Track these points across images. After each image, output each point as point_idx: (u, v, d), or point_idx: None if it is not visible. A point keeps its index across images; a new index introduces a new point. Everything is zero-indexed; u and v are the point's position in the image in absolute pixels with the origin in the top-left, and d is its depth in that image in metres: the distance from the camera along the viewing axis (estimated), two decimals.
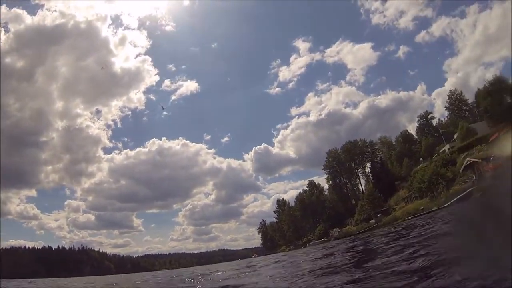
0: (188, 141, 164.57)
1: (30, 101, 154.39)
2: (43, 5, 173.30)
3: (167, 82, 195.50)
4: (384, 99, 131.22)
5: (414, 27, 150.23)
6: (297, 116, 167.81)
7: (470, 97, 61.34)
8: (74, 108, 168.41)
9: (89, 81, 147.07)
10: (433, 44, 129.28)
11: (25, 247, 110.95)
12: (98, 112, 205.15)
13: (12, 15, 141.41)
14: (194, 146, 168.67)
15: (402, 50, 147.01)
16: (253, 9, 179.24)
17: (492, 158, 34.68)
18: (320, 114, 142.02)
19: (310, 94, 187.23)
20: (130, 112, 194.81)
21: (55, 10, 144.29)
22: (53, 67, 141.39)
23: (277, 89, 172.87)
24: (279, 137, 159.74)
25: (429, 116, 71.10)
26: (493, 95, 47.75)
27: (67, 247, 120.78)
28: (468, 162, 40.20)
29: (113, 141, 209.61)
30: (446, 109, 67.94)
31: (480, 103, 50.20)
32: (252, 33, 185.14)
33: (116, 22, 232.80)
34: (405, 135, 73.11)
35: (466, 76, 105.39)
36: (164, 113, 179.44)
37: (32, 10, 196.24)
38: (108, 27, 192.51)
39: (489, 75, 58.45)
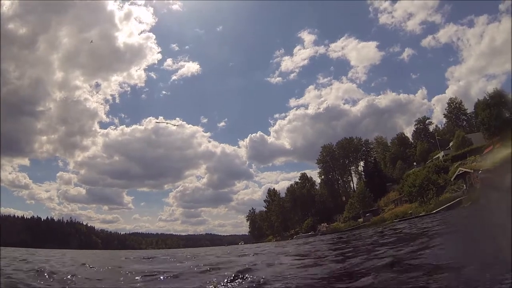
0: (184, 122, 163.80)
1: (29, 69, 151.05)
2: None
3: (169, 61, 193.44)
4: (383, 99, 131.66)
5: (421, 30, 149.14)
6: (295, 108, 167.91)
7: (469, 107, 61.92)
8: (74, 79, 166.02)
9: (90, 54, 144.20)
10: (438, 50, 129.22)
11: (14, 215, 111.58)
12: (97, 85, 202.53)
13: None
14: (190, 128, 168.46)
15: (407, 53, 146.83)
16: None
17: (480, 171, 35.29)
18: (318, 108, 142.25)
19: (311, 87, 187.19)
20: (129, 89, 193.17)
21: None
22: (55, 37, 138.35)
23: (278, 78, 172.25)
24: (276, 126, 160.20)
25: (427, 122, 71.81)
26: (492, 108, 48.06)
27: (56, 219, 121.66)
28: (460, 172, 40.76)
29: (110, 116, 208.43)
30: (444, 116, 68.46)
31: (479, 115, 50.61)
32: (258, 21, 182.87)
33: None
34: (401, 138, 73.64)
35: (468, 86, 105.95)
36: (163, 92, 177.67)
37: None
38: (114, 1, 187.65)
39: (491, 87, 59.06)
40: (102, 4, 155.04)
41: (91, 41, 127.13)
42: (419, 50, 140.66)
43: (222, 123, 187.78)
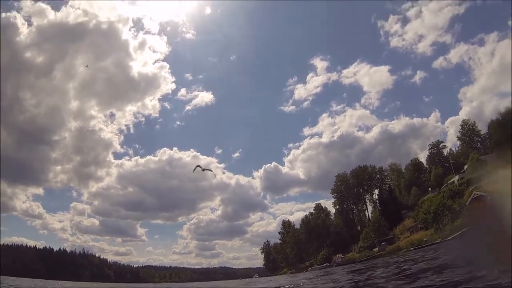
0: (199, 154, 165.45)
1: (46, 97, 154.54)
2: (67, 2, 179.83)
3: (183, 91, 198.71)
4: (397, 124, 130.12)
5: (432, 52, 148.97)
6: (309, 137, 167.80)
7: (483, 128, 60.36)
8: (89, 109, 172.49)
9: (105, 83, 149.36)
10: (450, 71, 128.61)
11: (26, 245, 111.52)
12: (112, 115, 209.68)
13: (36, 9, 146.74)
14: (204, 159, 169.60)
15: (419, 75, 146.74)
16: (274, 24, 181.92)
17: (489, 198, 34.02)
18: (332, 136, 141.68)
19: (324, 115, 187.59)
20: (143, 119, 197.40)
21: (79, 8, 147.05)
22: (71, 65, 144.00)
23: (292, 107, 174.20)
24: (290, 156, 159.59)
25: (441, 145, 70.28)
26: (505, 128, 46.68)
27: (68, 250, 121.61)
28: (476, 195, 39.09)
29: (125, 146, 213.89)
30: (458, 139, 66.88)
31: (492, 135, 49.16)
32: (271, 48, 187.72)
33: (138, 25, 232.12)
34: (415, 163, 71.90)
35: (481, 106, 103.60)
36: (178, 122, 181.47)
37: (56, 6, 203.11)
38: (129, 30, 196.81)
39: (504, 105, 57.36)
40: (117, 32, 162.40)
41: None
42: (431, 72, 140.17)
43: (237, 154, 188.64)
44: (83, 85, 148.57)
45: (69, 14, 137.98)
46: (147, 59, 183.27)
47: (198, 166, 20.62)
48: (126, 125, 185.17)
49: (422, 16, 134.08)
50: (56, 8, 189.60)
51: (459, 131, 66.12)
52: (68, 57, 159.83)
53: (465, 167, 51.74)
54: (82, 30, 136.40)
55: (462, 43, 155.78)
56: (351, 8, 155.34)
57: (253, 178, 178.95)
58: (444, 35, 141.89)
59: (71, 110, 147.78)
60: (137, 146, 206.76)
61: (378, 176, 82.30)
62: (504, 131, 46.73)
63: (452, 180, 52.84)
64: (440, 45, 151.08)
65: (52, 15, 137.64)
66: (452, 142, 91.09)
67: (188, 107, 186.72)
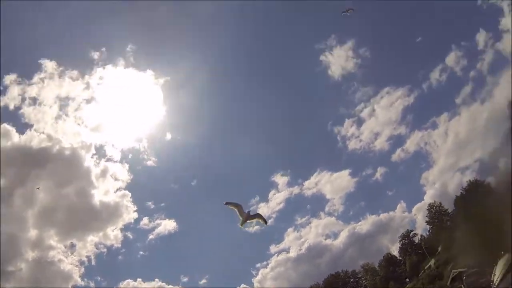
0: (164, 283, 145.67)
1: (3, 225, 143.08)
2: (32, 125, 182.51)
3: (145, 220, 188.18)
4: (364, 225, 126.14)
5: (389, 146, 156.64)
6: (276, 254, 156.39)
7: (450, 205, 59.61)
8: (48, 238, 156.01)
9: (66, 211, 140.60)
10: (408, 160, 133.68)
11: None
12: (72, 246, 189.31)
13: (2, 130, 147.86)
14: None
15: (379, 172, 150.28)
16: (232, 149, 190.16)
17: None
18: (300, 249, 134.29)
19: (290, 230, 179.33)
20: (105, 250, 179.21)
21: (43, 132, 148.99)
22: (32, 191, 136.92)
23: (256, 227, 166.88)
24: (259, 276, 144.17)
25: (411, 234, 68.94)
26: (470, 201, 44.85)
27: None
28: (454, 274, 34.26)
29: (85, 279, 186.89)
30: (427, 223, 65.77)
31: (459, 210, 46.55)
32: (231, 170, 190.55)
33: (100, 152, 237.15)
34: (388, 258, 69.26)
35: (444, 185, 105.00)
36: (141, 252, 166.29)
37: (21, 129, 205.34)
38: (91, 157, 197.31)
39: (466, 178, 58.73)
40: (79, 159, 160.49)
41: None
42: (391, 166, 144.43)
43: (204, 280, 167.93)
44: (43, 213, 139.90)
45: (33, 138, 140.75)
46: (109, 187, 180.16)
47: None
48: (87, 256, 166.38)
49: (376, 114, 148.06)
50: (21, 131, 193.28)
51: (426, 216, 65.89)
52: (29, 183, 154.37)
53: (439, 248, 46.84)
54: (45, 155, 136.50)
55: (417, 130, 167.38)
56: (306, 120, 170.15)
57: None
58: (398, 128, 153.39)
59: (29, 240, 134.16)
60: (99, 278, 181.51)
61: (351, 280, 77.97)
62: (469, 203, 44.96)
63: (428, 265, 47.72)
64: (396, 138, 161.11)
65: (16, 138, 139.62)
66: (422, 228, 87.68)
67: (151, 236, 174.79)
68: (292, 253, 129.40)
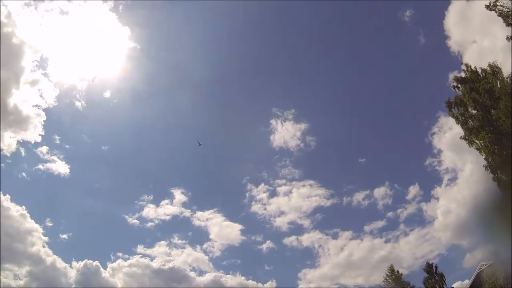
0: None
1: None
2: None
3: (43, 148, 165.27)
4: (230, 280, 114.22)
5: (287, 229, 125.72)
6: (141, 255, 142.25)
7: None
8: None
9: None
10: (298, 250, 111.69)
11: None
12: None
13: None
14: None
15: (267, 245, 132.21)
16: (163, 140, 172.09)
17: None
18: (163, 265, 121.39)
19: (163, 242, 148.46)
20: None
21: None
22: None
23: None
24: (115, 264, 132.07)
25: None
26: None
27: None
28: None
29: None
30: None
31: None
32: (147, 164, 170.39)
33: (42, 64, 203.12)
34: None
35: None
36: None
37: None
38: (33, 61, 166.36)
39: None
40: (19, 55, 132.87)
41: None
42: (280, 245, 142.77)
43: None
44: None
45: None
46: (29, 98, 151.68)
47: None
48: None
49: (291, 196, 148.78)
50: None
51: None
52: None
53: None
54: None
55: (318, 231, 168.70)
56: (225, 169, 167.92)
57: None
58: (303, 219, 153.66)
59: None
60: None
61: None
62: None
63: None
64: (297, 226, 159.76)
65: None
66: None
67: (40, 167, 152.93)
68: (155, 264, 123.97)
